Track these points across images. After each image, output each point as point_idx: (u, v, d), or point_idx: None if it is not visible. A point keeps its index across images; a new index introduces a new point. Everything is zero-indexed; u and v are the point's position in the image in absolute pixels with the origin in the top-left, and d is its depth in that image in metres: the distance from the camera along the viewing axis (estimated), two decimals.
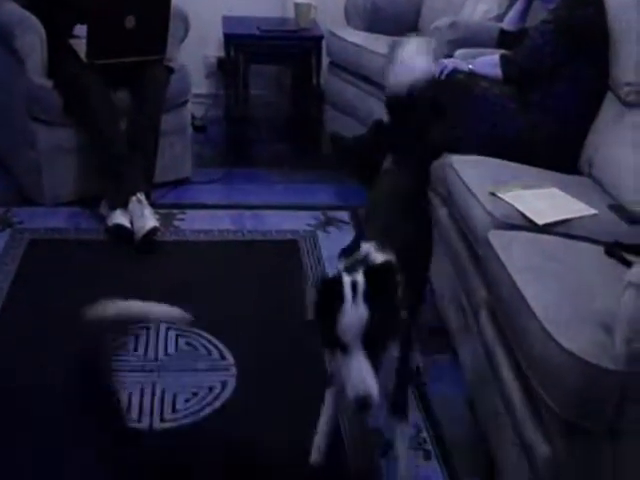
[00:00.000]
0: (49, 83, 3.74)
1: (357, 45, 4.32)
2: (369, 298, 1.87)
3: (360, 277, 1.90)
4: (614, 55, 3.15)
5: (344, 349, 1.86)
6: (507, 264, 2.36)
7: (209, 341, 2.92)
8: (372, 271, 1.94)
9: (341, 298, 1.85)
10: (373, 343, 1.88)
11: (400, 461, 2.29)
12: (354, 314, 1.85)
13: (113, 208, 3.61)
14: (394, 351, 2.10)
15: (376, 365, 1.90)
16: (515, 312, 2.25)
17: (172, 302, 3.05)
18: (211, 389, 2.70)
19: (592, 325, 2.01)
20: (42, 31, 3.76)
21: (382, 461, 2.50)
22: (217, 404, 2.64)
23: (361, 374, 1.87)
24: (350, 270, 1.96)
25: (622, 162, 2.93)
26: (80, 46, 3.77)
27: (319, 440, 2.37)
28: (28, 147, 3.81)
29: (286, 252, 3.60)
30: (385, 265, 2.00)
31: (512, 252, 2.42)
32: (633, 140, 2.94)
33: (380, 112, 3.80)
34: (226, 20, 4.53)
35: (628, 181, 2.86)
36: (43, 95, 3.72)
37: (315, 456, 2.38)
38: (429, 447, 2.55)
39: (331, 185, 4.16)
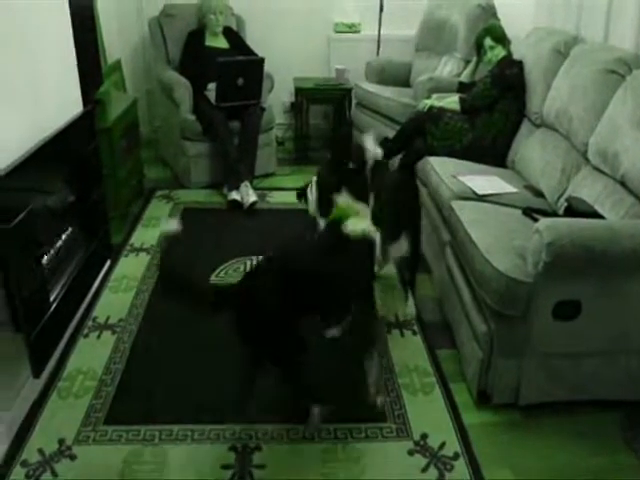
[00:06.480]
0: (193, 117, 3.74)
1: (371, 92, 4.24)
2: None
3: None
4: (528, 96, 3.10)
5: None
6: (462, 218, 2.37)
7: None
8: None
9: None
10: None
11: None
12: None
13: (231, 189, 3.61)
14: None
15: None
16: (465, 246, 2.25)
17: (262, 239, 3.04)
18: None
19: (512, 254, 2.02)
20: (189, 87, 3.77)
21: None
22: None
23: None
24: None
25: (532, 160, 2.89)
26: (211, 96, 3.77)
27: None
28: (182, 154, 3.83)
29: None
30: None
31: (465, 212, 2.42)
32: (538, 147, 2.89)
33: (385, 131, 3.79)
34: (296, 79, 4.48)
35: (536, 171, 2.82)
36: (190, 124, 3.72)
37: None
38: (416, 328, 2.53)
39: None
